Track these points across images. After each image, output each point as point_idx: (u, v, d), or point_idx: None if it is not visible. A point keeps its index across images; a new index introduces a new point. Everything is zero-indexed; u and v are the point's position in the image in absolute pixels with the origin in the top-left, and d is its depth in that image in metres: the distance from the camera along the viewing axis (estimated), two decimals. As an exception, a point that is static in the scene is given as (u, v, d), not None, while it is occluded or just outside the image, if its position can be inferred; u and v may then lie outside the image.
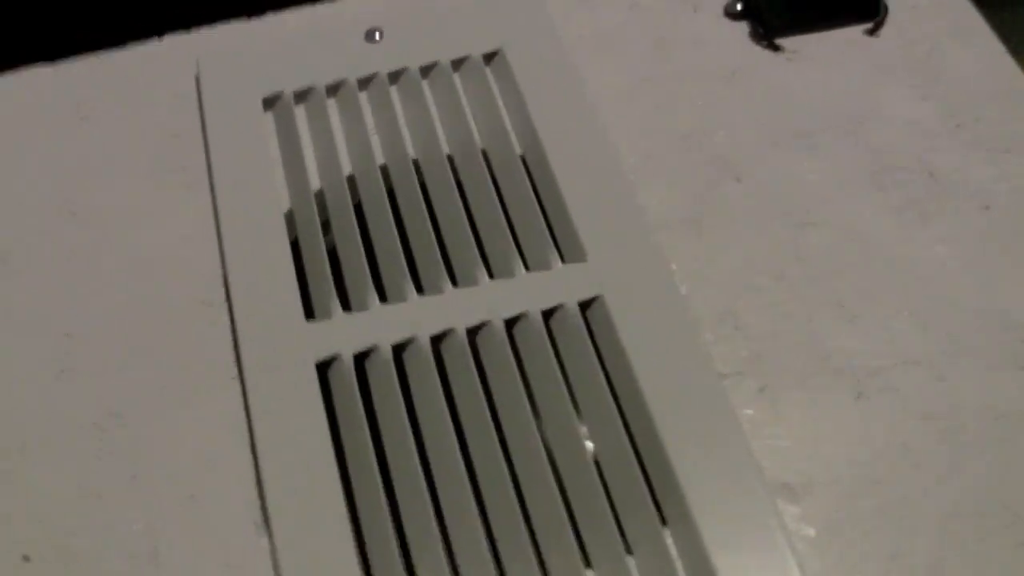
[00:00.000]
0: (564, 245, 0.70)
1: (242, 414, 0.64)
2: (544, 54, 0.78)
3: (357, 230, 0.70)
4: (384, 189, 0.73)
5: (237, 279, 0.68)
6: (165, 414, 0.65)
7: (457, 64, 0.78)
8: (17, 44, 0.84)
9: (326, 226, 0.72)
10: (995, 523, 0.61)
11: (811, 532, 0.61)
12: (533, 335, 0.66)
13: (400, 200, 0.72)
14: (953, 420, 0.64)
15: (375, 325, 0.66)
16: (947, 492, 0.62)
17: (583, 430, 0.64)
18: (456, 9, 0.82)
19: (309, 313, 0.67)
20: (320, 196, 0.73)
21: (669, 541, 0.60)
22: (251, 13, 0.81)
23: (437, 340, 0.67)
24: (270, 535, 0.60)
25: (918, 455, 0.63)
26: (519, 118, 0.76)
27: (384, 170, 0.74)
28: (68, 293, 0.70)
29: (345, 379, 0.65)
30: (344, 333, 0.66)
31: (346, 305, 0.68)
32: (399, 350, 0.66)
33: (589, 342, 0.66)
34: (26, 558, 0.61)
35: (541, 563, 0.60)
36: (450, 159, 0.74)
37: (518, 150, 0.75)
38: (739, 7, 0.81)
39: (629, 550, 0.61)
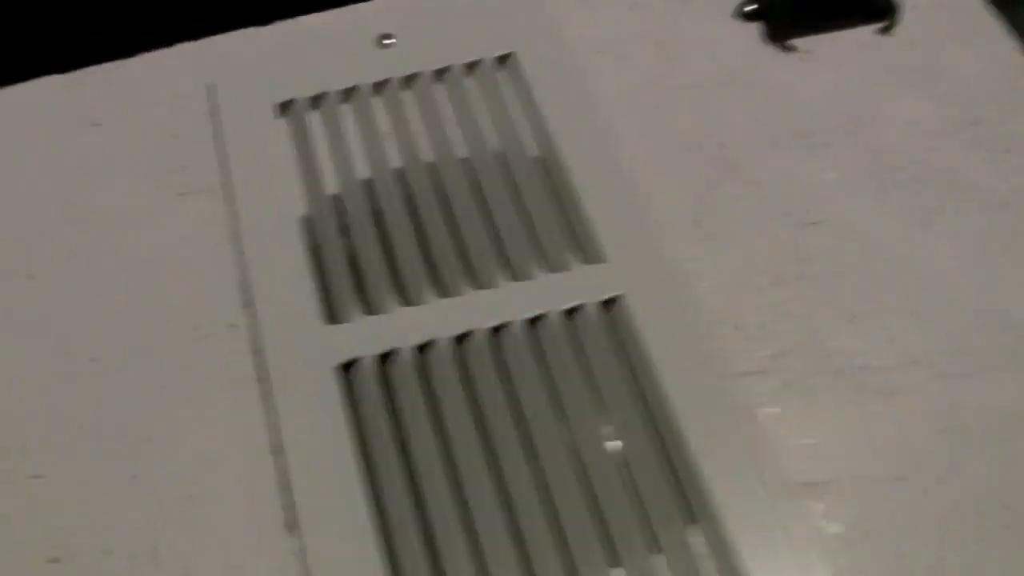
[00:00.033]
0: (584, 246, 0.70)
1: (257, 418, 0.64)
2: (556, 56, 0.78)
3: (376, 234, 0.70)
4: (401, 193, 0.73)
5: (258, 285, 0.68)
6: (185, 418, 0.65)
7: (470, 67, 0.79)
8: (32, 54, 0.84)
9: (343, 230, 0.72)
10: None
11: (838, 529, 0.61)
12: (554, 336, 0.66)
13: (418, 203, 0.72)
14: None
15: (396, 328, 0.66)
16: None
17: (607, 430, 0.64)
18: (467, 13, 0.82)
19: (330, 317, 0.67)
20: (337, 201, 0.73)
21: (695, 540, 0.60)
22: (262, 21, 0.81)
23: (458, 342, 0.66)
24: (299, 536, 0.60)
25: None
26: (534, 120, 0.76)
27: (400, 174, 0.74)
28: (85, 298, 0.70)
29: (368, 381, 0.65)
30: (365, 336, 0.66)
31: (367, 309, 0.68)
32: (420, 352, 0.66)
33: (611, 342, 0.66)
34: (54, 560, 0.61)
35: (567, 562, 0.60)
36: (466, 162, 0.74)
37: (534, 152, 0.75)
38: (750, 8, 0.81)
39: (655, 549, 0.61)
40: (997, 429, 0.64)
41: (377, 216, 0.72)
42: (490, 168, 0.74)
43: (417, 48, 0.79)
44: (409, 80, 0.78)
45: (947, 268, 0.70)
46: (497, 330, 0.67)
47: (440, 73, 0.78)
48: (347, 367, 0.65)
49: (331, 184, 0.73)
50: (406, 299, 0.68)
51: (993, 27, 0.80)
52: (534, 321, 0.67)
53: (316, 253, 0.70)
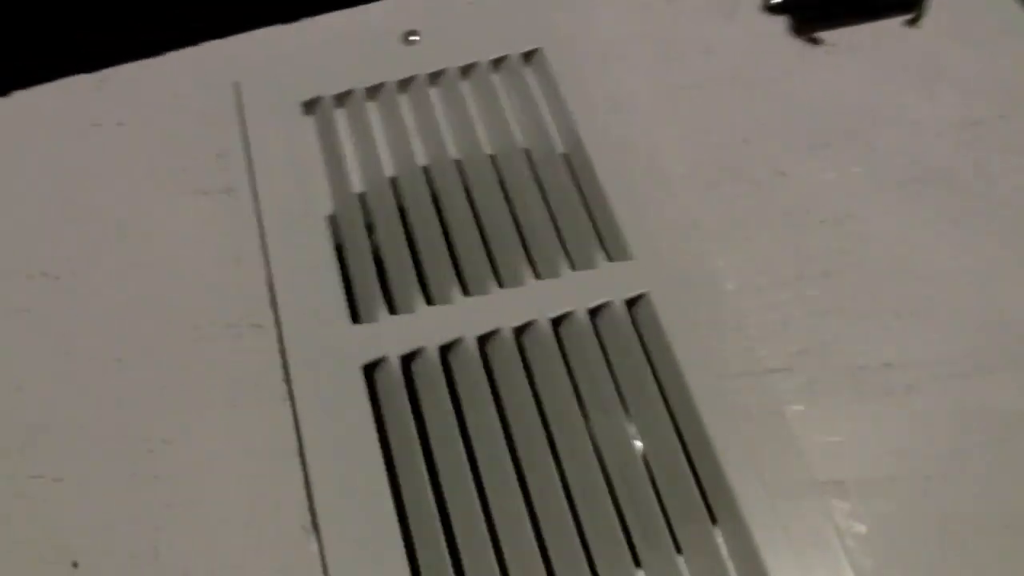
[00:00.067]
0: (609, 244, 0.70)
1: (282, 418, 0.65)
2: (583, 52, 0.78)
3: (402, 232, 0.70)
4: (427, 191, 0.73)
5: (283, 284, 0.69)
6: (209, 418, 0.65)
7: (496, 64, 0.78)
8: (57, 55, 0.84)
9: (369, 229, 0.72)
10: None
11: (862, 529, 0.60)
12: (580, 334, 0.66)
13: (443, 201, 0.72)
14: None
15: (421, 327, 0.66)
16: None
17: (631, 429, 0.64)
18: (492, 8, 0.82)
19: (355, 317, 0.67)
20: (362, 199, 0.73)
21: (719, 540, 0.60)
22: (287, 19, 0.82)
23: (484, 341, 0.67)
24: (319, 537, 0.60)
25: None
26: (560, 117, 0.76)
27: (426, 171, 0.74)
28: (109, 297, 0.70)
29: (392, 381, 0.65)
30: (390, 336, 0.66)
31: (392, 308, 0.68)
32: (445, 351, 0.66)
33: (636, 340, 0.66)
34: (75, 564, 0.61)
35: (590, 563, 0.60)
36: (492, 159, 0.74)
37: (560, 149, 0.75)
38: (778, 1, 0.80)
39: (679, 549, 0.61)
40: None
41: (403, 214, 0.72)
42: (516, 165, 0.74)
43: (443, 45, 0.79)
44: (435, 77, 0.78)
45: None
46: (522, 328, 0.67)
47: (466, 70, 0.78)
48: (372, 367, 0.66)
49: (357, 182, 0.74)
50: (431, 298, 0.69)
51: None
52: (559, 319, 0.67)
53: (341, 252, 0.71)
